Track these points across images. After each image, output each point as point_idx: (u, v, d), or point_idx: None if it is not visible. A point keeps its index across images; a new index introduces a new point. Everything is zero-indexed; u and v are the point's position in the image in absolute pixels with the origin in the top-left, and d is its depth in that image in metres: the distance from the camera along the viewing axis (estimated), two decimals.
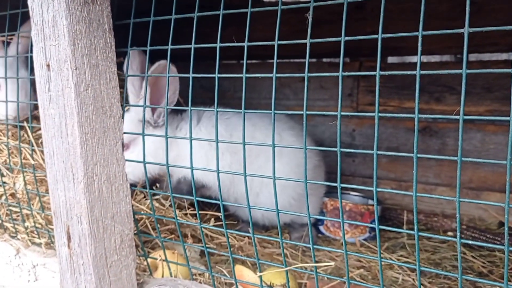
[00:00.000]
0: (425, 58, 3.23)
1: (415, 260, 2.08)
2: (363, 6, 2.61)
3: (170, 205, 1.84)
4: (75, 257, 1.37)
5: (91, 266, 1.33)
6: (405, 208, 2.57)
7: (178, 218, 1.33)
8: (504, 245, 0.93)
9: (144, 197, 1.84)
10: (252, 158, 1.99)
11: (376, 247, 2.24)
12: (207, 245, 1.87)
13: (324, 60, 3.26)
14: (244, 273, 1.58)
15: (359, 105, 2.78)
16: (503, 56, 2.65)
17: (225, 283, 1.64)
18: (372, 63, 2.68)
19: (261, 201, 2.07)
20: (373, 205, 2.41)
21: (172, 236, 1.78)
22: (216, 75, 1.17)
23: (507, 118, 0.87)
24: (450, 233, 2.36)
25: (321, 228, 2.39)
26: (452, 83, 2.49)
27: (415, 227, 1.02)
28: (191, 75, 1.22)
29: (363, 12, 2.60)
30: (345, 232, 2.31)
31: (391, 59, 2.80)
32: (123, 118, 1.32)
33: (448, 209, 2.49)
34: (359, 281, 1.82)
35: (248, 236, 1.99)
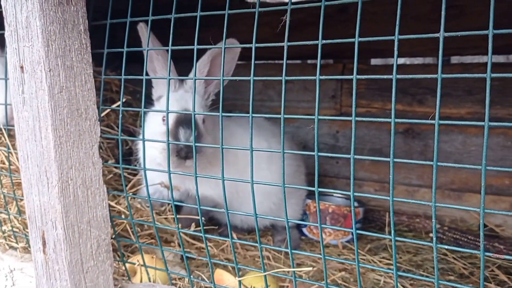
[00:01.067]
0: (408, 60, 3.25)
1: (397, 263, 2.09)
2: (346, 8, 2.62)
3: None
4: (50, 262, 1.34)
5: (67, 271, 1.30)
6: (388, 210, 2.57)
7: (156, 222, 1.31)
8: (480, 249, 0.93)
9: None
10: (243, 168, 2.00)
11: (359, 249, 2.25)
12: (186, 250, 1.86)
13: (309, 61, 3.26)
14: (224, 277, 1.57)
15: (342, 107, 2.79)
16: (485, 58, 2.67)
17: None
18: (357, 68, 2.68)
19: (245, 207, 2.06)
20: (356, 207, 2.41)
21: (152, 240, 1.75)
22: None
23: (482, 123, 0.87)
24: (431, 234, 2.36)
25: (304, 230, 2.39)
26: (434, 86, 2.50)
27: (392, 232, 1.02)
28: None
29: (347, 14, 2.61)
30: (328, 234, 2.31)
31: (374, 61, 2.81)
32: (99, 121, 1.29)
33: (430, 210, 2.49)
34: (341, 284, 1.82)
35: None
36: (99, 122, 1.30)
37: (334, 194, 2.58)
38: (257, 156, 2.03)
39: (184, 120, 1.73)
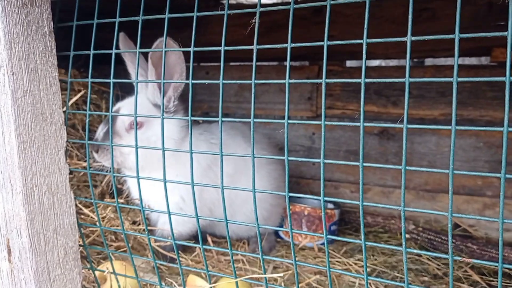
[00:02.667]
0: (383, 62, 3.28)
1: (372, 265, 2.10)
2: (321, 10, 2.62)
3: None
4: (16, 271, 1.30)
5: (33, 280, 1.26)
6: (364, 211, 2.58)
7: (125, 229, 1.28)
8: (450, 253, 0.93)
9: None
10: (234, 178, 1.99)
11: (335, 251, 2.25)
12: (158, 258, 1.83)
13: (286, 63, 3.25)
14: (197, 283, 1.55)
15: (318, 109, 2.79)
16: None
17: None
18: (331, 66, 2.69)
19: (240, 217, 2.06)
20: (332, 209, 2.41)
21: (125, 248, 1.71)
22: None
23: (449, 127, 0.87)
24: (407, 235, 2.38)
25: (281, 233, 2.38)
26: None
27: (362, 237, 1.01)
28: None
29: (322, 16, 2.61)
30: (304, 236, 2.30)
31: (349, 63, 2.82)
32: (65, 125, 1.25)
33: (410, 208, 2.52)
34: (316, 287, 1.81)
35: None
36: (65, 126, 1.26)
37: (310, 196, 2.58)
38: (244, 167, 2.03)
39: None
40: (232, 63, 3.11)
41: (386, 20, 2.42)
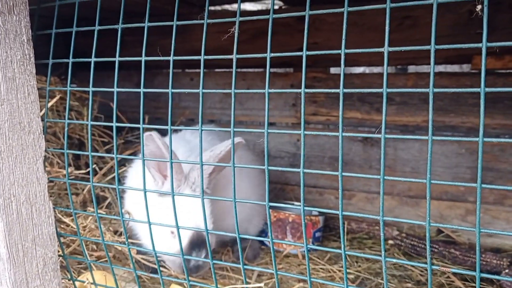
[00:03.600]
0: (367, 69, 3.30)
1: (356, 272, 2.10)
2: (305, 17, 2.63)
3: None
4: None
5: None
6: (348, 218, 2.59)
7: (105, 240, 1.26)
8: (428, 262, 0.94)
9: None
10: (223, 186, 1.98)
11: (319, 258, 2.25)
12: (140, 267, 1.81)
13: (271, 70, 3.26)
14: None
15: None
16: (439, 68, 2.74)
17: None
18: (315, 73, 2.70)
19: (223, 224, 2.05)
20: (316, 215, 2.41)
21: (105, 259, 1.69)
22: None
23: (426, 138, 0.88)
24: (390, 241, 2.39)
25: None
26: (390, 95, 2.55)
27: (343, 247, 1.01)
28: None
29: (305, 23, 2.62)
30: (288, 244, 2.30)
31: (333, 70, 2.83)
32: (44, 134, 1.24)
33: (389, 217, 2.54)
34: None
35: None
36: (43, 135, 1.25)
37: (295, 203, 2.58)
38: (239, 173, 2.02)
39: (197, 241, 1.67)
40: (217, 70, 3.11)
41: (368, 28, 2.43)
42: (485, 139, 0.81)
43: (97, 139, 2.43)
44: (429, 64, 2.72)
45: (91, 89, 1.20)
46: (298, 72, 2.83)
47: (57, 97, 1.90)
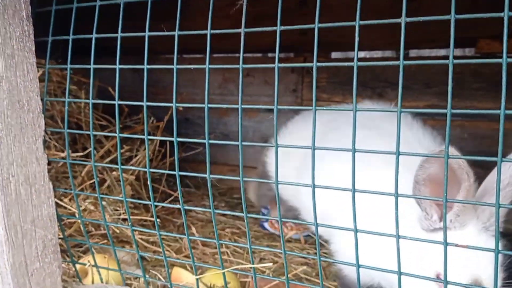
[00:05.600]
0: (368, 54, 3.27)
1: None
2: (306, 2, 2.59)
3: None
4: None
5: (10, 275, 1.21)
6: None
7: (107, 221, 1.24)
8: None
9: None
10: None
11: (321, 243, 2.23)
12: (142, 249, 1.79)
13: (270, 55, 3.22)
14: (182, 275, 1.51)
15: (303, 101, 2.76)
16: (442, 52, 2.72)
17: (163, 287, 1.56)
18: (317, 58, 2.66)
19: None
20: None
21: (105, 241, 1.66)
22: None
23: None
24: None
25: (266, 224, 2.35)
26: (393, 79, 2.52)
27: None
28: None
29: (307, 7, 2.58)
30: (290, 228, 2.28)
31: (335, 54, 2.80)
32: (43, 113, 1.20)
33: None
34: (302, 278, 1.79)
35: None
36: (43, 115, 1.21)
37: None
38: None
39: None
40: (215, 55, 3.06)
41: (371, 11, 2.38)
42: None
43: (95, 123, 2.39)
44: (432, 48, 2.67)
45: (92, 66, 1.16)
46: (298, 57, 2.79)
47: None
